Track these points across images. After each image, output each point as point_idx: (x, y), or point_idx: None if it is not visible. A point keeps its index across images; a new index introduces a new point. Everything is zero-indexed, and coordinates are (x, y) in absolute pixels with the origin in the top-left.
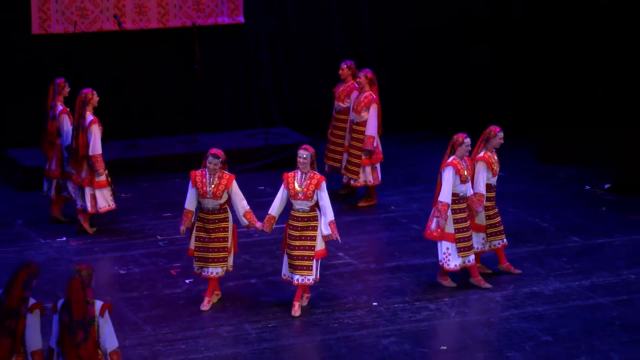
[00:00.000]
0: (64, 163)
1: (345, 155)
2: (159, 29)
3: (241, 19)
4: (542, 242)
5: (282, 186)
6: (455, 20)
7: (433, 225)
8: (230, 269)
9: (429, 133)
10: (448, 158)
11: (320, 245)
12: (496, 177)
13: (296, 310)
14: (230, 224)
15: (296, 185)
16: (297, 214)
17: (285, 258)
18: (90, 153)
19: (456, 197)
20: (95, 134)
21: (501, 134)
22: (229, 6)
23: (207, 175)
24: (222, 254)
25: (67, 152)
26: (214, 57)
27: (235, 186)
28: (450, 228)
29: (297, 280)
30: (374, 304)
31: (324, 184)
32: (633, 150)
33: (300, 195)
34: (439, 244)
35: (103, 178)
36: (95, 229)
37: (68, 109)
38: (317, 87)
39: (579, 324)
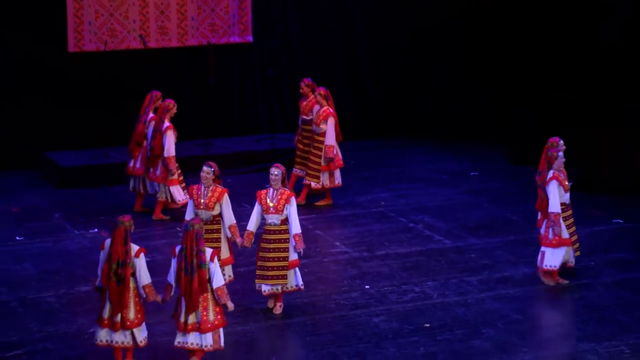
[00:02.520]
0: (146, 162)
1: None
2: (179, 47)
3: (250, 39)
4: (512, 233)
5: (257, 202)
6: (435, 36)
7: (550, 235)
8: (232, 278)
9: (414, 137)
10: (547, 172)
11: (292, 255)
12: (567, 193)
13: (277, 309)
14: (222, 235)
15: (268, 201)
16: (269, 228)
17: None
18: (165, 155)
19: (563, 206)
20: (170, 138)
21: (561, 155)
22: (240, 27)
23: (202, 188)
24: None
25: (149, 153)
26: (226, 72)
27: (226, 199)
28: (565, 234)
29: (266, 290)
30: (366, 287)
31: (293, 200)
32: (593, 151)
33: (272, 209)
34: (548, 250)
35: (175, 177)
36: (168, 217)
37: (157, 117)
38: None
39: (545, 305)
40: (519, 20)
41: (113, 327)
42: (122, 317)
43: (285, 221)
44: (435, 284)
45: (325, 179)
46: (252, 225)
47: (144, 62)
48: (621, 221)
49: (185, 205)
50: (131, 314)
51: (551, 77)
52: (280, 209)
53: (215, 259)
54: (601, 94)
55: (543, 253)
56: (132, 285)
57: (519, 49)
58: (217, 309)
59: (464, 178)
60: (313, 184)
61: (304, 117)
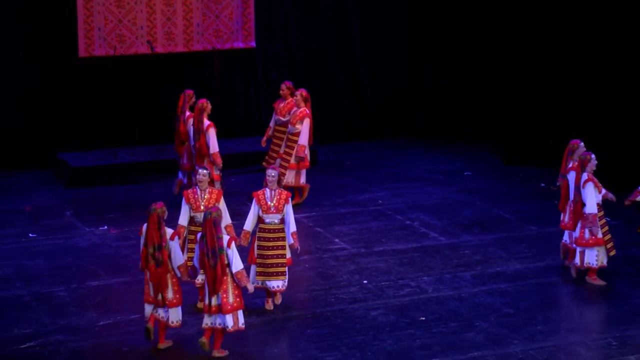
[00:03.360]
0: (192, 158)
1: (278, 161)
2: (185, 52)
3: (253, 44)
4: (505, 230)
5: (254, 203)
6: (432, 39)
7: (587, 235)
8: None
9: (410, 138)
10: (581, 175)
11: (288, 253)
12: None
13: (270, 305)
14: None
15: (268, 201)
16: (268, 227)
17: (254, 268)
18: (211, 151)
19: (598, 206)
20: (212, 135)
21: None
22: (243, 33)
23: (199, 192)
24: None
25: (193, 150)
26: (230, 76)
27: (222, 200)
28: (600, 234)
29: (274, 287)
30: (364, 282)
31: (289, 199)
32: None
33: (272, 209)
34: (587, 250)
35: (218, 172)
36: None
37: (195, 118)
38: (314, 100)
39: (535, 299)
40: (516, 22)
41: (156, 304)
42: (162, 297)
43: (283, 220)
44: (430, 279)
45: (291, 177)
46: (250, 225)
47: (151, 67)
48: (608, 219)
49: None
50: (169, 294)
51: (547, 79)
52: (281, 208)
53: (233, 245)
54: (598, 95)
55: (582, 253)
56: (169, 267)
57: (514, 52)
58: (236, 292)
59: (458, 178)
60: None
61: (281, 118)
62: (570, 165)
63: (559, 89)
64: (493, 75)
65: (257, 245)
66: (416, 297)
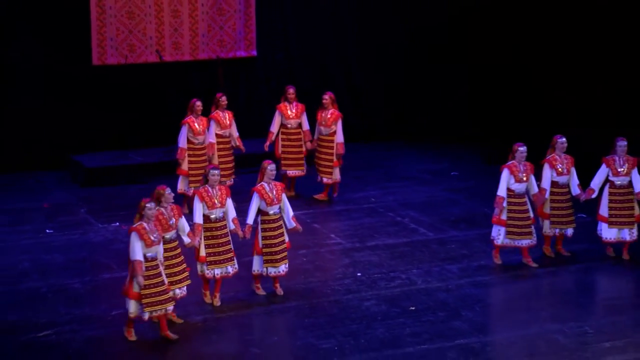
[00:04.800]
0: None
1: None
2: (191, 61)
3: (254, 53)
4: (489, 226)
5: (257, 198)
6: (425, 46)
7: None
8: (236, 269)
9: (403, 141)
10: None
11: (287, 237)
12: (562, 176)
13: (280, 290)
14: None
15: (270, 194)
16: (272, 217)
17: (260, 258)
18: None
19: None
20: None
21: (563, 139)
22: (245, 42)
23: (211, 190)
24: (231, 254)
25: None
26: (233, 83)
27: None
28: (504, 215)
29: (282, 271)
30: (358, 274)
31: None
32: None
33: (275, 201)
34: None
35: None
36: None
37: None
38: (314, 106)
39: (518, 289)
40: (498, 28)
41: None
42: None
43: (280, 209)
44: (419, 271)
45: (337, 174)
46: (252, 219)
47: (160, 74)
48: (584, 215)
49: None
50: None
51: (530, 81)
52: (280, 198)
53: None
54: (585, 96)
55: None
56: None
57: (500, 55)
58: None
59: (446, 177)
60: (325, 179)
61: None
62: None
63: (541, 90)
64: (482, 80)
65: (263, 236)
66: (406, 289)
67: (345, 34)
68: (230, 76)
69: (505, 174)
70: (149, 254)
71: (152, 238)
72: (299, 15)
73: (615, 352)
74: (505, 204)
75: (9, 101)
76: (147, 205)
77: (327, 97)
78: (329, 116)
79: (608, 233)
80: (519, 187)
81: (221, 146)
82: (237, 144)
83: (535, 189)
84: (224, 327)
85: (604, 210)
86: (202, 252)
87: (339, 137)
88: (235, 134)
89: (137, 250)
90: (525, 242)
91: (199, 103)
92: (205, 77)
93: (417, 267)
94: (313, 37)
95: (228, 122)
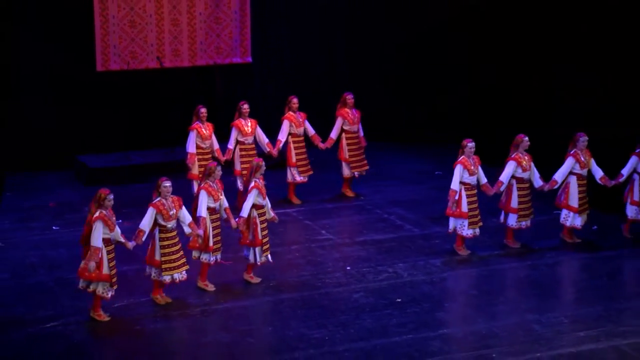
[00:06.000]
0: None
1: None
2: (190, 67)
3: (249, 59)
4: None
5: (255, 193)
6: (412, 56)
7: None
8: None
9: (391, 143)
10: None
11: None
12: (526, 172)
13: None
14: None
15: (264, 189)
16: (264, 210)
17: (259, 248)
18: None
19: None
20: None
21: (526, 139)
22: (241, 50)
23: (215, 186)
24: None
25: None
26: (229, 87)
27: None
28: (461, 208)
29: (270, 259)
30: (348, 268)
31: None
32: (540, 149)
33: (266, 194)
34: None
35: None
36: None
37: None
38: (308, 108)
39: (497, 282)
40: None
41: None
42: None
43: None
44: (405, 265)
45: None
46: (248, 213)
47: (160, 80)
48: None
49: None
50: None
51: (509, 81)
52: (265, 193)
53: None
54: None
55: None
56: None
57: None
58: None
59: (430, 176)
60: (356, 174)
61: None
62: (514, 155)
63: (517, 91)
64: (467, 82)
65: (261, 228)
66: (393, 281)
67: (335, 40)
68: (226, 81)
69: (458, 169)
70: (169, 225)
71: (171, 213)
72: (292, 23)
73: (589, 340)
74: (458, 197)
75: (19, 105)
76: (162, 183)
77: (352, 97)
78: (356, 114)
79: (578, 220)
80: (472, 180)
81: (200, 156)
82: (268, 149)
83: (484, 180)
84: (221, 318)
85: (574, 201)
86: (211, 243)
87: (362, 132)
88: (230, 145)
89: (146, 223)
90: (478, 231)
91: (203, 110)
92: (203, 82)
93: (403, 261)
94: (305, 44)
95: (208, 134)
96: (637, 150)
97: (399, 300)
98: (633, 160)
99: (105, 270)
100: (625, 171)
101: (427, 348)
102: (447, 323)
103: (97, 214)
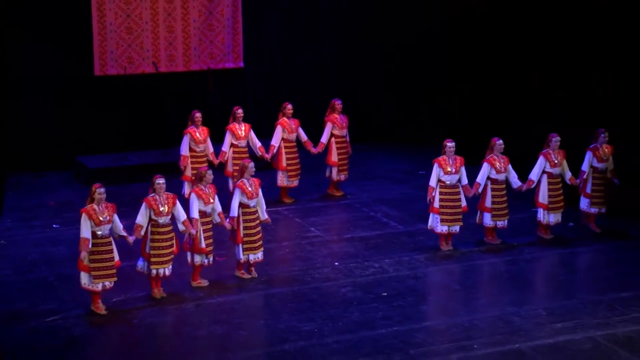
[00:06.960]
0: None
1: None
2: (184, 71)
3: (241, 64)
4: None
5: (240, 192)
6: (400, 63)
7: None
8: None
9: (378, 144)
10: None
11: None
12: (500, 174)
13: (255, 273)
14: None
15: (250, 189)
16: (252, 210)
17: (240, 246)
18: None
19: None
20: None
21: (500, 142)
22: (233, 55)
23: (204, 189)
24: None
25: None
26: (222, 91)
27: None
28: (435, 204)
29: (259, 257)
30: (336, 264)
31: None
32: (521, 147)
33: (254, 195)
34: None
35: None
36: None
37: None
38: (300, 112)
39: (478, 277)
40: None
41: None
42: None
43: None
44: (391, 260)
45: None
46: (236, 211)
47: (156, 84)
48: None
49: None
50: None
51: (491, 84)
52: (257, 193)
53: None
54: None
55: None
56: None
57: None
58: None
59: (414, 176)
60: (343, 177)
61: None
62: (488, 157)
63: (495, 93)
64: (454, 84)
65: (244, 227)
66: (379, 276)
67: (325, 45)
68: (219, 85)
69: (434, 167)
70: (160, 220)
71: (161, 209)
72: (283, 29)
73: (565, 332)
74: (434, 194)
75: (20, 108)
76: (156, 180)
77: (340, 103)
78: (344, 120)
79: (552, 218)
80: (449, 179)
81: (194, 159)
82: (260, 153)
83: (464, 181)
84: (214, 311)
85: (544, 199)
86: (202, 244)
87: (348, 137)
88: (224, 148)
89: (141, 217)
90: (457, 228)
91: (198, 114)
92: (197, 86)
93: (389, 257)
94: (296, 50)
95: (202, 138)
96: (592, 146)
97: (385, 294)
98: (588, 155)
99: (86, 262)
100: (585, 167)
101: (412, 340)
102: (430, 316)
103: (86, 207)
